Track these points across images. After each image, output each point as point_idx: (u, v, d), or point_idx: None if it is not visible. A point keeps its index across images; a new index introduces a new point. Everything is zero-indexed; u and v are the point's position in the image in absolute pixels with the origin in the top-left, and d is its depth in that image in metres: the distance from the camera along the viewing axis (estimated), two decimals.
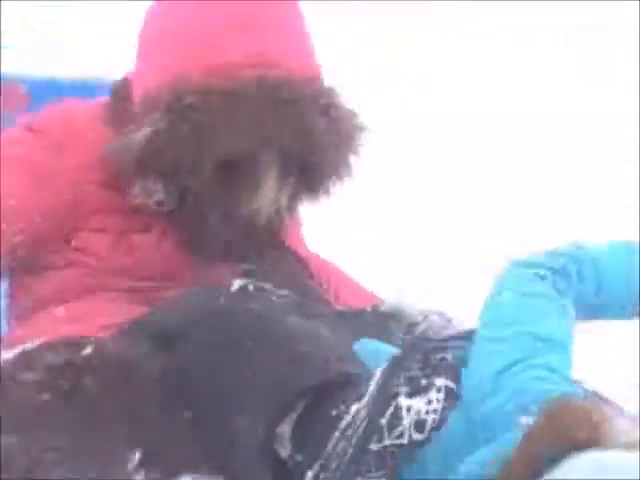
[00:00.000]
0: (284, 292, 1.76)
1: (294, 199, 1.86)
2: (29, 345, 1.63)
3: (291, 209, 1.87)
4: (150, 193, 1.76)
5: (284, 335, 1.62)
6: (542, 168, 5.24)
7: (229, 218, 1.78)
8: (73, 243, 1.81)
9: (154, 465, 1.54)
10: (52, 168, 1.79)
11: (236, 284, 1.72)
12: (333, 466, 1.51)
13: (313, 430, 1.56)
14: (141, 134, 1.71)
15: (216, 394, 1.60)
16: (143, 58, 1.81)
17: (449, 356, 1.55)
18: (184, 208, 1.77)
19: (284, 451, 1.58)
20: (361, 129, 1.84)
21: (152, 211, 1.78)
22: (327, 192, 1.88)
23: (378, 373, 1.56)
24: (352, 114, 1.84)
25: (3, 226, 1.74)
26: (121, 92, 1.84)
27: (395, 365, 1.56)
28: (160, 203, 1.77)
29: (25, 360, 1.60)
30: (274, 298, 1.73)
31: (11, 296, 1.93)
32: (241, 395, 1.58)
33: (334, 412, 1.55)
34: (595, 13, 7.17)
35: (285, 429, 1.57)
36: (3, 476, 1.46)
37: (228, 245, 1.82)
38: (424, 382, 1.51)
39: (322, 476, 1.53)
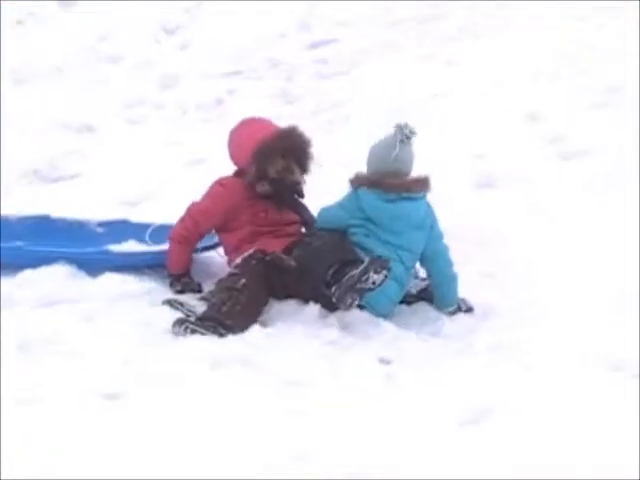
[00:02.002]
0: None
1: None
2: (244, 255, 5.24)
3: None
4: (263, 189, 5.45)
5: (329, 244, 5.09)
6: None
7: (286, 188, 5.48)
8: (242, 217, 5.45)
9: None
10: (227, 195, 5.49)
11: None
12: (343, 286, 4.85)
13: (339, 276, 4.88)
14: (252, 172, 5.44)
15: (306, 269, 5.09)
16: (238, 156, 5.53)
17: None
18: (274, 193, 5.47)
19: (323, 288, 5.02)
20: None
21: (262, 198, 5.46)
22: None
23: (366, 261, 4.86)
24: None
25: (211, 219, 5.51)
26: (238, 172, 5.56)
27: (371, 260, 4.85)
28: (266, 192, 5.46)
29: (244, 260, 5.20)
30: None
31: (221, 241, 5.62)
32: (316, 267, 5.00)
33: (347, 270, 4.87)
34: None
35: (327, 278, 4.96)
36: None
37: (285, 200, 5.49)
38: (379, 269, 4.84)
39: (337, 292, 4.88)
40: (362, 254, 5.07)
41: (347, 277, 4.88)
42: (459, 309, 5.37)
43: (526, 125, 7.02)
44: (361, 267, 4.86)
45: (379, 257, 4.93)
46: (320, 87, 7.90)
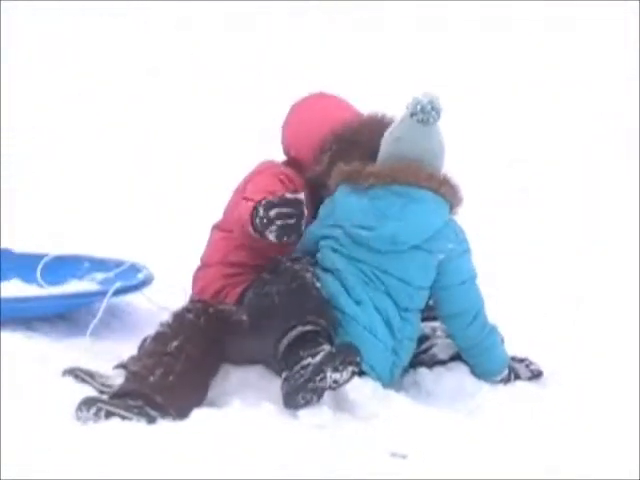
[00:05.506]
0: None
1: None
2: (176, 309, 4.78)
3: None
4: (320, 179, 4.91)
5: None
6: None
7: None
8: None
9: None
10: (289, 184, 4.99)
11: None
12: (291, 382, 4.34)
13: (291, 359, 4.43)
14: (319, 167, 4.91)
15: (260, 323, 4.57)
16: (298, 144, 5.06)
17: None
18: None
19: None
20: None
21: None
22: None
23: (323, 352, 4.35)
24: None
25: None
26: (291, 163, 5.06)
27: (329, 353, 4.37)
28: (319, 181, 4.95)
29: (176, 314, 4.73)
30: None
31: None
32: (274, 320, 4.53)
33: (302, 352, 4.38)
34: None
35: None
36: None
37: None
38: (340, 367, 4.36)
39: (285, 386, 4.39)
40: (337, 302, 4.63)
41: (299, 367, 4.36)
42: (516, 376, 4.83)
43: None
44: (317, 359, 4.35)
45: (344, 345, 4.43)
46: None
